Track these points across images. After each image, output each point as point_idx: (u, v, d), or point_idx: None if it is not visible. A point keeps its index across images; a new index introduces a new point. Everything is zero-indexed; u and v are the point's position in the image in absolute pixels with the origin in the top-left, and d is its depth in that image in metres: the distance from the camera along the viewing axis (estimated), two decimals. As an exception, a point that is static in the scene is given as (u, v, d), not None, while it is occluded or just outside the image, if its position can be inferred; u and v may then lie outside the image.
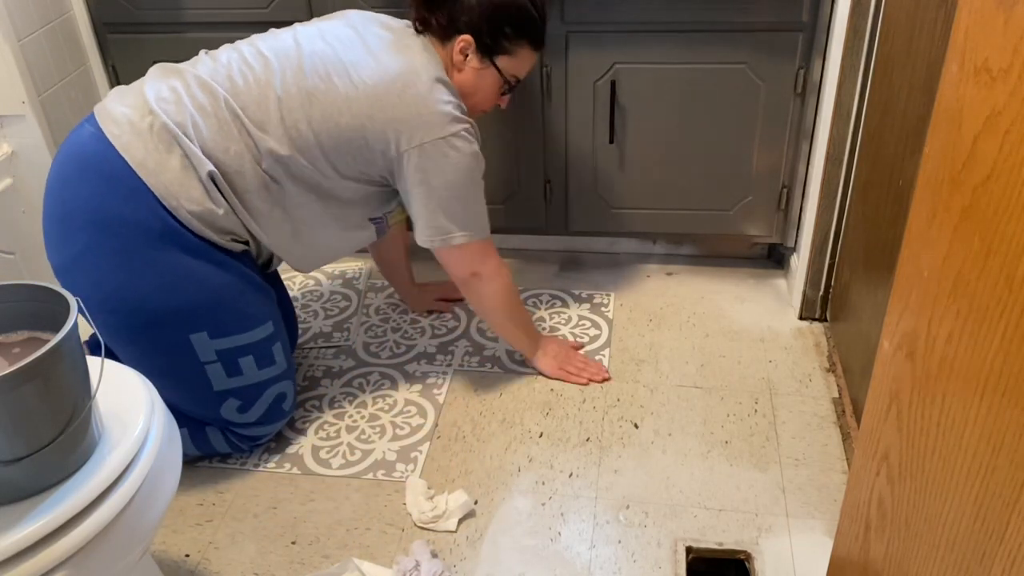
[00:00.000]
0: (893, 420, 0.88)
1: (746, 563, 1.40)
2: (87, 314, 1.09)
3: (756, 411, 1.69)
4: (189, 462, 1.59)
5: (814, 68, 1.78)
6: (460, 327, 1.96)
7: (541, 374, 1.79)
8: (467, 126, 1.48)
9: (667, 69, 1.82)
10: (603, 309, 2.01)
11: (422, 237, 1.54)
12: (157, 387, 1.38)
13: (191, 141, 1.37)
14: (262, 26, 1.89)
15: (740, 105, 1.84)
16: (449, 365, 1.85)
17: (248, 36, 1.91)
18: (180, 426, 1.46)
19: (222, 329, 1.46)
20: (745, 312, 1.98)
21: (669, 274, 2.13)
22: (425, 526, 1.47)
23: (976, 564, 0.71)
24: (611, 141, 1.92)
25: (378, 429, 1.68)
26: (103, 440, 1.04)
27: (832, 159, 1.72)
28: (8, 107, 1.80)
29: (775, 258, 2.15)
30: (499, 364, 1.85)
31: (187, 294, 1.41)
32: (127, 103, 1.41)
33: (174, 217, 1.38)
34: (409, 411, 1.72)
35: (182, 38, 1.93)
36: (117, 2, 1.91)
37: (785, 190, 1.95)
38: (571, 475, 1.57)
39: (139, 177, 1.36)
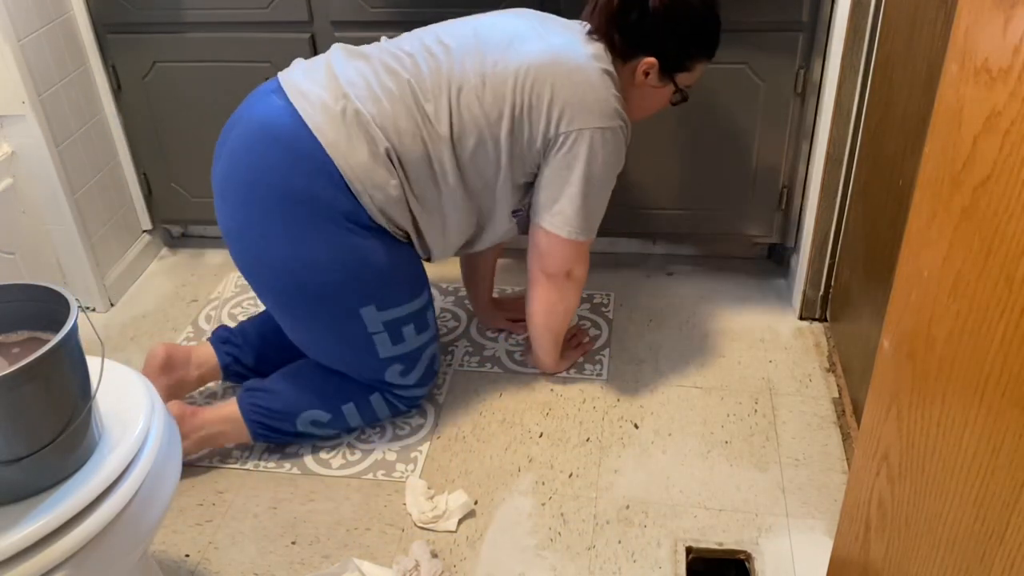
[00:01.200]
0: (893, 420, 0.88)
1: (746, 563, 1.40)
2: (256, 279, 1.26)
3: (756, 411, 1.69)
4: (189, 463, 1.59)
5: (814, 68, 1.78)
6: (460, 327, 1.96)
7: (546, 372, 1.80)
8: (624, 123, 1.48)
9: (667, 69, 1.82)
10: (603, 309, 2.01)
11: (546, 220, 1.53)
12: (326, 357, 1.60)
13: (379, 128, 1.40)
14: (262, 26, 1.90)
15: (740, 105, 1.84)
16: (449, 365, 1.85)
17: (250, 36, 1.92)
18: (346, 401, 1.59)
19: (389, 302, 1.51)
20: (745, 312, 1.98)
21: (669, 274, 2.13)
22: (425, 526, 1.47)
23: (976, 564, 0.71)
24: (611, 141, 1.91)
25: (378, 429, 1.68)
26: (103, 440, 1.04)
27: (832, 159, 1.72)
28: (8, 107, 1.80)
29: (775, 258, 2.15)
30: (499, 364, 1.85)
31: (361, 271, 1.46)
32: (319, 82, 1.43)
33: (357, 200, 1.41)
34: (410, 412, 1.72)
35: (182, 38, 1.93)
36: (117, 2, 1.91)
37: (785, 190, 1.95)
38: (571, 475, 1.57)
39: (330, 158, 1.39)
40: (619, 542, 1.43)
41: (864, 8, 1.54)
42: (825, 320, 1.92)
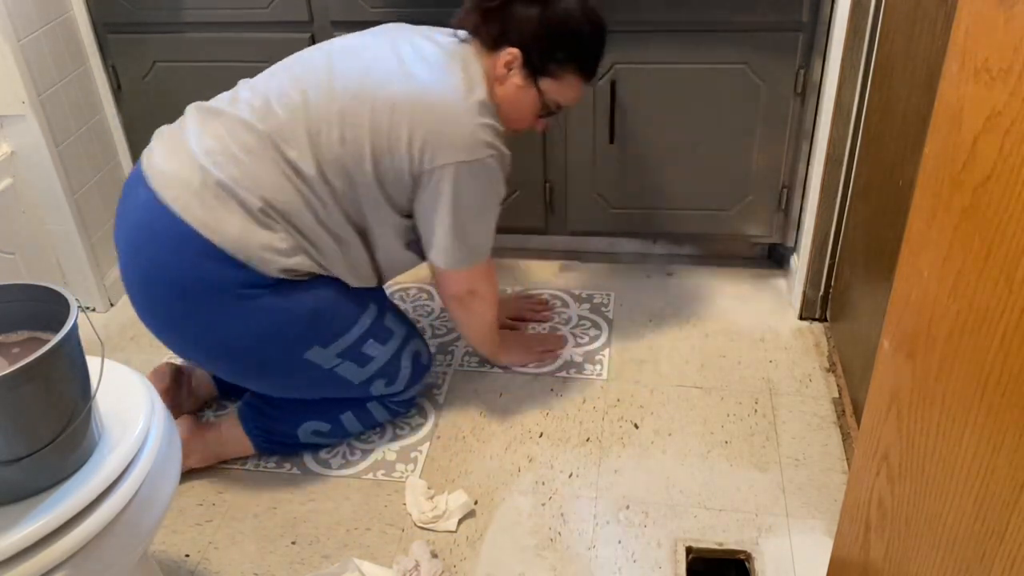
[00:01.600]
0: (893, 420, 0.88)
1: (746, 563, 1.40)
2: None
3: (756, 411, 1.69)
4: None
5: (814, 68, 1.78)
6: (460, 327, 1.96)
7: (505, 368, 1.82)
8: (496, 152, 1.43)
9: (667, 69, 1.82)
10: (603, 309, 2.01)
11: (429, 253, 1.50)
12: (309, 395, 1.59)
13: (245, 189, 1.36)
14: (262, 26, 1.90)
15: (740, 105, 1.84)
16: (449, 365, 1.85)
17: (250, 36, 1.92)
18: (343, 411, 1.58)
19: (330, 336, 1.47)
20: (745, 312, 1.97)
21: (669, 274, 2.13)
22: (425, 526, 1.46)
23: (976, 564, 0.71)
24: (611, 141, 1.91)
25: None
26: (103, 440, 1.04)
27: (832, 159, 1.72)
28: (8, 107, 1.80)
29: (775, 258, 2.15)
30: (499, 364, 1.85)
31: (285, 326, 1.42)
32: (176, 160, 1.39)
33: (247, 266, 1.37)
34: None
35: (182, 38, 1.93)
36: (117, 2, 1.91)
37: (785, 190, 1.95)
38: (571, 475, 1.57)
39: (204, 237, 1.35)
40: (619, 542, 1.43)
41: (864, 8, 1.54)
42: (825, 320, 1.92)
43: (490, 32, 1.45)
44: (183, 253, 1.35)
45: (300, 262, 1.41)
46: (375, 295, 1.56)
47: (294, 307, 1.41)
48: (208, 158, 1.37)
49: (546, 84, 1.48)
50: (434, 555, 1.40)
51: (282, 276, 1.40)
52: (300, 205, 1.39)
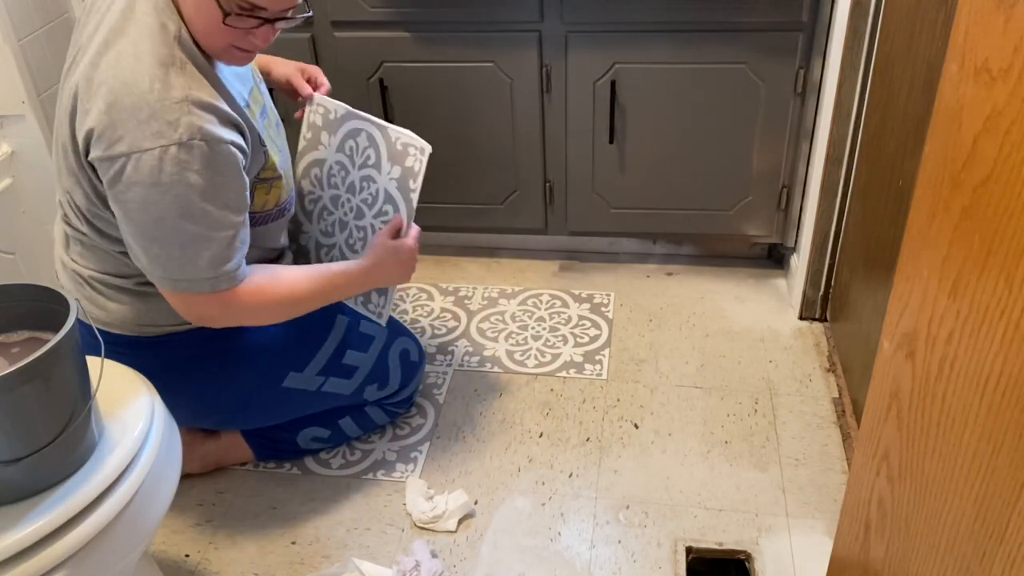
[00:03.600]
0: (893, 420, 0.88)
1: (746, 563, 1.40)
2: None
3: (756, 411, 1.69)
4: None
5: (814, 68, 1.78)
6: (460, 327, 1.96)
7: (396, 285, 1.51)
8: (191, 132, 1.09)
9: (667, 69, 1.82)
10: (603, 309, 2.01)
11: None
12: (306, 412, 1.50)
13: (107, 270, 1.27)
14: (262, 26, 1.89)
15: (740, 105, 1.84)
16: (449, 365, 1.85)
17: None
18: (342, 416, 1.54)
19: (302, 359, 1.45)
20: (745, 312, 1.98)
21: (669, 274, 2.13)
22: (425, 526, 1.46)
23: (976, 564, 0.71)
24: (611, 141, 1.92)
25: (378, 429, 1.68)
26: (103, 440, 1.04)
27: (832, 159, 1.72)
28: (8, 107, 1.80)
29: (775, 258, 2.15)
30: (499, 364, 1.85)
31: (241, 370, 1.39)
32: (63, 273, 1.34)
33: (168, 336, 1.32)
34: (409, 411, 1.72)
35: (182, 38, 1.93)
36: (117, 2, 1.91)
37: (785, 190, 1.95)
38: (571, 475, 1.57)
39: (115, 333, 1.30)
40: (619, 542, 1.43)
41: (864, 8, 1.54)
42: (825, 320, 1.92)
43: None
44: (109, 352, 1.17)
45: (162, 310, 1.28)
46: (343, 304, 1.51)
47: (249, 350, 1.33)
48: (68, 256, 1.30)
49: None
50: (434, 555, 1.40)
51: (180, 330, 1.32)
52: (102, 256, 1.26)
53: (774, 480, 1.53)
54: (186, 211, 1.12)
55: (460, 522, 1.47)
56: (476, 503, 1.51)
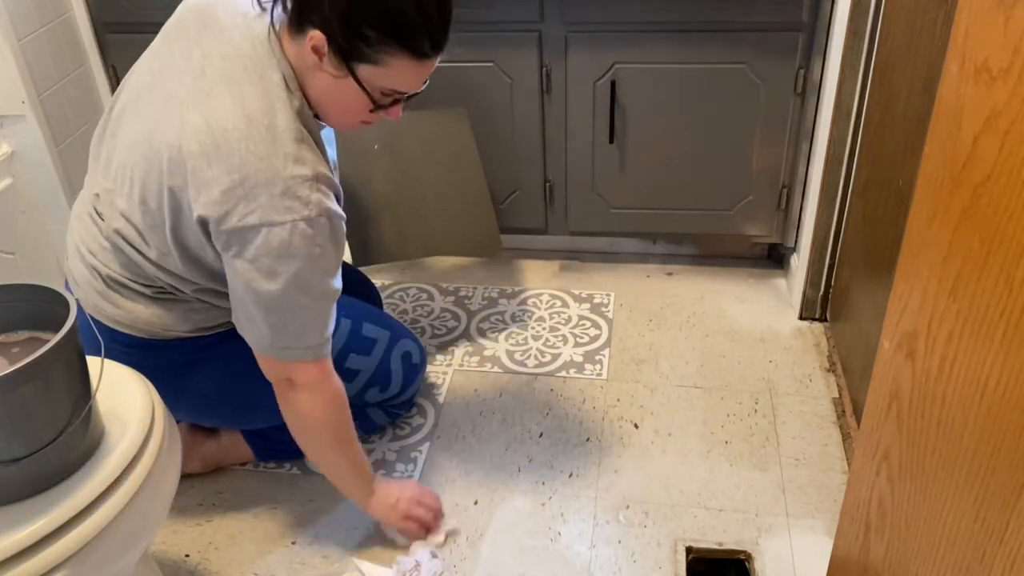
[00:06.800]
0: (893, 420, 0.88)
1: (746, 563, 1.40)
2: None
3: (756, 411, 1.69)
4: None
5: (814, 68, 1.78)
6: (460, 327, 1.96)
7: (376, 521, 1.47)
8: (318, 206, 1.11)
9: (667, 69, 1.82)
10: (603, 309, 2.01)
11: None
12: None
13: (132, 276, 1.28)
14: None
15: (740, 105, 1.84)
16: (449, 365, 1.85)
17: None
18: None
19: None
20: (745, 312, 1.98)
21: (669, 274, 2.13)
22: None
23: (976, 564, 0.71)
24: (611, 141, 1.92)
25: (378, 430, 1.68)
26: (103, 440, 1.04)
27: (832, 159, 1.72)
28: (8, 107, 1.80)
29: (775, 258, 2.15)
30: (499, 364, 1.85)
31: (245, 374, 1.36)
32: (77, 262, 1.32)
33: (177, 340, 1.33)
34: (410, 411, 1.72)
35: (182, 38, 1.93)
36: (117, 2, 1.91)
37: (785, 190, 1.95)
38: (571, 475, 1.57)
39: (124, 332, 1.30)
40: (619, 542, 1.43)
41: (864, 8, 1.54)
42: (825, 320, 1.92)
43: (290, 8, 1.13)
44: (110, 349, 1.23)
45: (211, 315, 1.32)
46: (347, 307, 1.49)
47: (247, 352, 1.29)
48: (98, 258, 1.29)
49: (365, 72, 1.12)
50: (434, 555, 1.40)
51: (219, 331, 1.34)
52: (159, 274, 1.26)
53: (774, 480, 1.53)
54: (307, 283, 1.14)
55: (448, 536, 1.45)
56: (476, 503, 1.51)
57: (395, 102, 1.19)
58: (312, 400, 1.25)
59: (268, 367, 1.24)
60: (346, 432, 1.32)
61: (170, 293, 1.28)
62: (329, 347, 1.24)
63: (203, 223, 1.13)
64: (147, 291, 1.28)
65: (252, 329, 1.19)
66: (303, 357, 1.21)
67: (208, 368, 1.37)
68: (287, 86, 1.14)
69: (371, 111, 1.17)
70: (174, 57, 1.18)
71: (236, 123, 1.10)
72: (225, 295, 1.24)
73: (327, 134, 1.30)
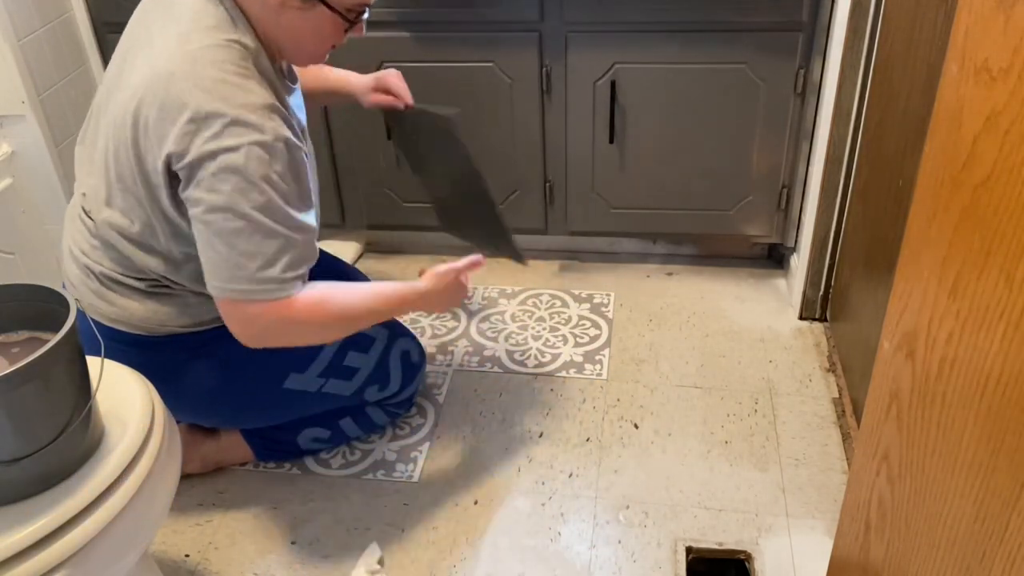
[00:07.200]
0: (893, 420, 0.88)
1: (746, 563, 1.40)
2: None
3: (756, 411, 1.69)
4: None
5: (814, 68, 1.78)
6: (460, 327, 1.96)
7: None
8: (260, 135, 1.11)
9: (667, 69, 1.82)
10: (603, 309, 2.01)
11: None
12: (309, 412, 1.53)
13: (125, 271, 1.28)
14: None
15: (740, 105, 1.84)
16: (449, 365, 1.85)
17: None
18: (342, 416, 1.54)
19: (303, 361, 1.44)
20: (745, 312, 1.98)
21: (669, 274, 2.13)
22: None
23: (976, 564, 0.71)
24: (611, 141, 1.92)
25: (378, 429, 1.68)
26: (103, 440, 1.04)
27: (832, 159, 1.72)
28: (8, 107, 1.80)
29: (775, 258, 2.15)
30: (499, 364, 1.85)
31: (242, 371, 1.39)
32: (71, 264, 1.33)
33: (174, 336, 1.33)
34: (409, 411, 1.72)
35: (182, 38, 1.93)
36: (117, 2, 1.91)
37: (785, 190, 1.95)
38: (571, 475, 1.57)
39: (120, 330, 1.31)
40: (619, 542, 1.44)
41: (864, 8, 1.54)
42: (825, 320, 1.92)
43: None
44: (108, 347, 1.20)
45: (204, 309, 1.31)
46: None
47: (244, 348, 1.29)
48: (89, 257, 1.30)
49: None
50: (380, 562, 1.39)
51: (211, 327, 1.33)
52: (149, 252, 1.26)
53: (774, 480, 1.53)
54: (268, 209, 1.12)
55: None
56: (476, 503, 1.52)
57: (359, 15, 1.21)
58: (292, 337, 1.23)
59: (231, 316, 1.19)
60: (347, 323, 1.27)
61: (164, 287, 1.29)
62: (292, 289, 1.18)
63: (168, 171, 1.13)
64: (141, 285, 1.29)
65: (211, 270, 1.15)
66: (260, 296, 1.15)
67: (206, 364, 1.37)
68: (235, 26, 1.15)
69: (345, 31, 1.21)
70: (133, 43, 1.22)
71: (181, 65, 1.10)
72: None
73: (296, 100, 1.30)
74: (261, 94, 1.13)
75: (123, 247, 1.25)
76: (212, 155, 1.09)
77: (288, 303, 1.18)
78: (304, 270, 1.20)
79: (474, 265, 1.44)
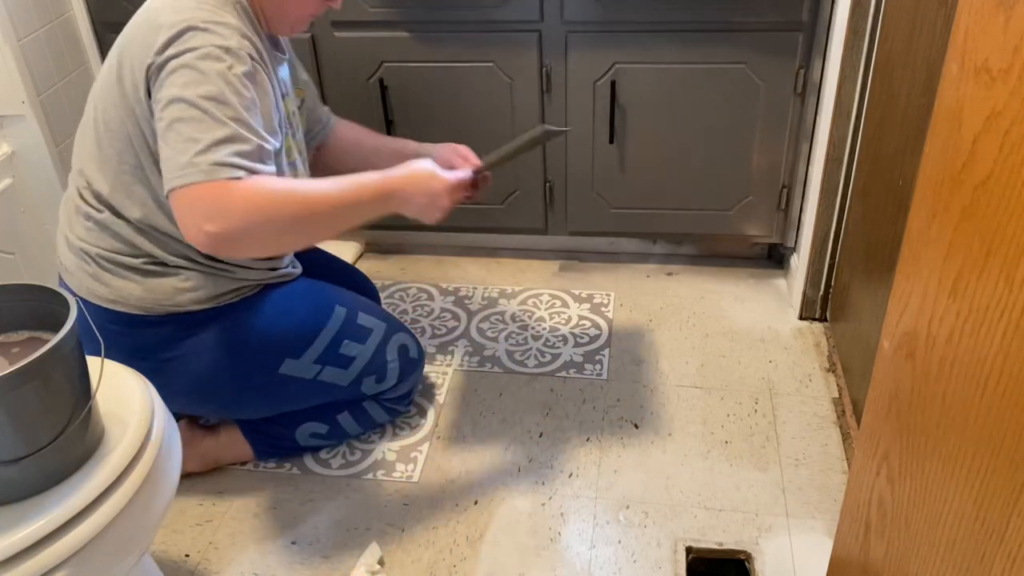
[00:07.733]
0: (893, 420, 0.88)
1: (746, 563, 1.40)
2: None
3: (756, 411, 1.69)
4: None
5: (814, 68, 1.78)
6: (460, 327, 1.96)
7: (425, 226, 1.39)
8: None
9: (667, 69, 1.82)
10: (603, 309, 2.01)
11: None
12: (304, 404, 1.53)
13: (119, 249, 1.31)
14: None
15: (740, 105, 1.84)
16: (449, 365, 1.85)
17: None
18: (340, 411, 1.55)
19: (298, 347, 1.44)
20: (745, 312, 1.98)
21: (669, 274, 2.13)
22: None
23: (976, 564, 0.71)
24: (611, 141, 1.92)
25: (378, 429, 1.68)
26: (103, 440, 1.04)
27: (832, 159, 1.72)
28: (8, 107, 1.80)
29: (775, 258, 2.15)
30: (499, 364, 1.85)
31: (243, 351, 1.39)
32: (67, 251, 1.36)
33: (171, 316, 1.34)
34: (409, 411, 1.72)
35: (182, 38, 1.93)
36: (117, 2, 1.91)
37: (785, 190, 1.95)
38: (571, 475, 1.57)
39: (118, 311, 1.33)
40: (619, 542, 1.44)
41: (864, 8, 1.54)
42: (825, 320, 1.92)
43: None
44: (119, 329, 1.32)
45: (215, 284, 1.34)
46: (338, 296, 1.51)
47: (240, 331, 1.34)
48: (87, 239, 1.33)
49: None
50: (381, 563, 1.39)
51: (211, 305, 1.36)
52: (147, 230, 1.30)
53: (774, 480, 1.53)
54: (217, 100, 1.13)
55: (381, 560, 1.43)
56: (476, 503, 1.52)
57: None
58: (245, 213, 1.12)
59: (177, 210, 1.13)
60: (299, 214, 1.17)
61: (159, 263, 1.32)
62: (239, 172, 1.12)
63: (148, 89, 1.19)
64: (137, 262, 1.31)
65: (168, 166, 1.13)
66: (197, 178, 1.10)
67: (202, 344, 1.38)
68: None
69: (324, 0, 1.30)
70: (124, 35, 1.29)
71: (163, 4, 1.20)
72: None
73: (283, 73, 1.38)
74: (236, 25, 1.20)
75: (118, 228, 1.30)
76: (176, 56, 1.15)
77: (228, 183, 1.11)
78: (254, 166, 1.14)
79: (464, 185, 1.33)
